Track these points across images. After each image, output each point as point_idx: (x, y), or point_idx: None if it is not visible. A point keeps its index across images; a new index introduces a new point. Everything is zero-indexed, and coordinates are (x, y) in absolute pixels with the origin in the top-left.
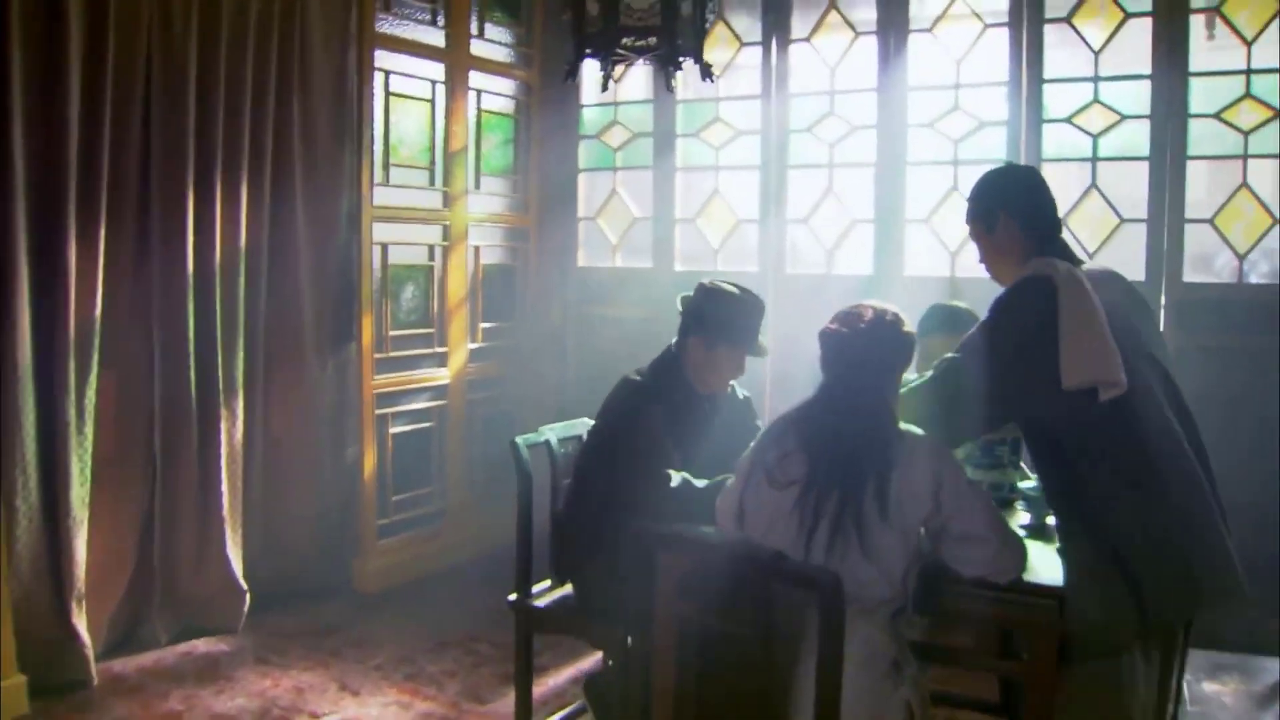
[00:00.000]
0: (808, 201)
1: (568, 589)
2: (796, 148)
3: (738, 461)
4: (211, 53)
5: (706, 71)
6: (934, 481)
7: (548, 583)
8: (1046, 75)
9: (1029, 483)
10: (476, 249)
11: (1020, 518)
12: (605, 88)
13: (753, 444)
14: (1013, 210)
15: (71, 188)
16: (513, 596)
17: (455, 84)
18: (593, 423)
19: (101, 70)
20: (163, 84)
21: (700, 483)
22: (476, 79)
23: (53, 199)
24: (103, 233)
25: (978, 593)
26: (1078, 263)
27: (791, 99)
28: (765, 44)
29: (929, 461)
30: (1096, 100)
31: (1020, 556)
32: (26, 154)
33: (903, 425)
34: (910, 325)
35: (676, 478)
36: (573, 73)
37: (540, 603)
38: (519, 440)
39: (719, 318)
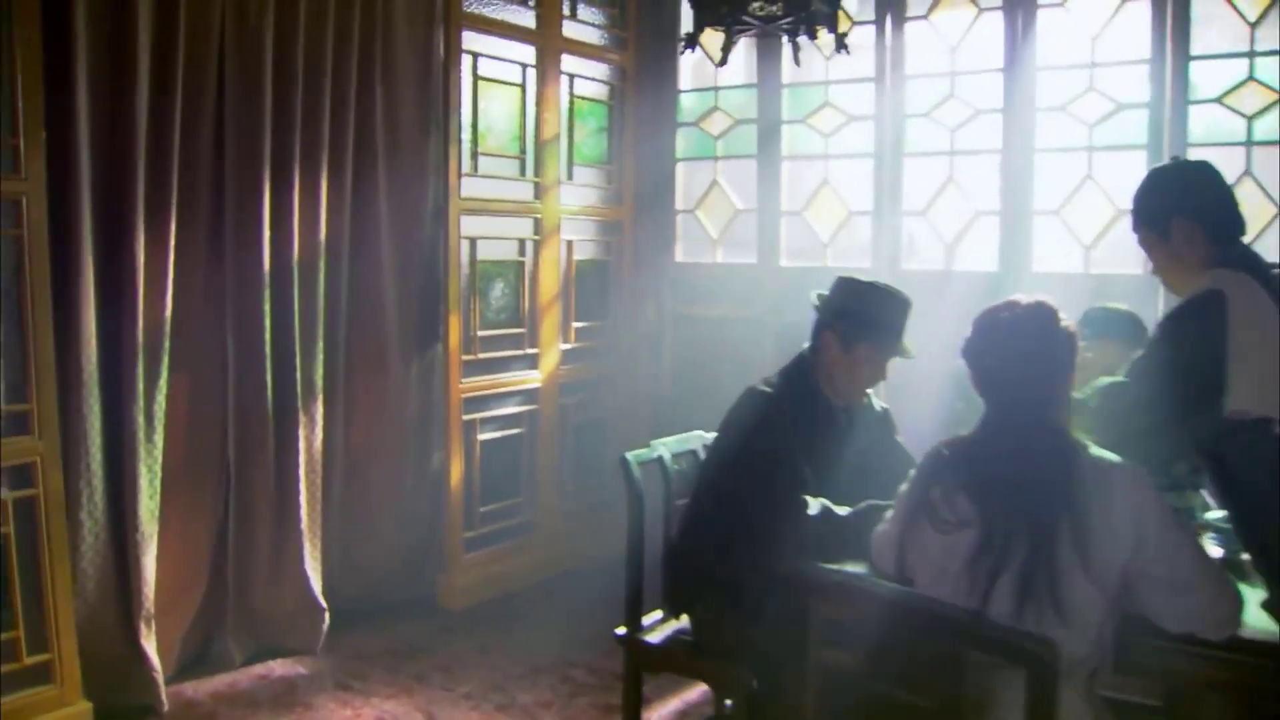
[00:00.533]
0: (926, 192)
1: (682, 623)
2: (913, 134)
3: (898, 494)
4: (289, 34)
5: (841, 43)
6: (1136, 518)
7: (658, 614)
8: (1194, 51)
9: (1217, 512)
10: (569, 243)
11: (1210, 551)
12: (724, 60)
13: (913, 475)
14: (1190, 213)
15: (139, 181)
16: (621, 630)
17: (547, 67)
18: (712, 437)
19: (171, 56)
20: (237, 69)
21: (842, 511)
22: (569, 62)
23: (120, 193)
24: (173, 228)
25: (1183, 649)
26: (1270, 267)
27: (908, 81)
28: (879, 22)
29: (1129, 494)
30: (1251, 78)
31: (1237, 607)
32: (92, 146)
33: (1093, 450)
34: (1066, 317)
35: (815, 505)
36: (692, 43)
37: (652, 638)
38: (630, 456)
39: (860, 313)
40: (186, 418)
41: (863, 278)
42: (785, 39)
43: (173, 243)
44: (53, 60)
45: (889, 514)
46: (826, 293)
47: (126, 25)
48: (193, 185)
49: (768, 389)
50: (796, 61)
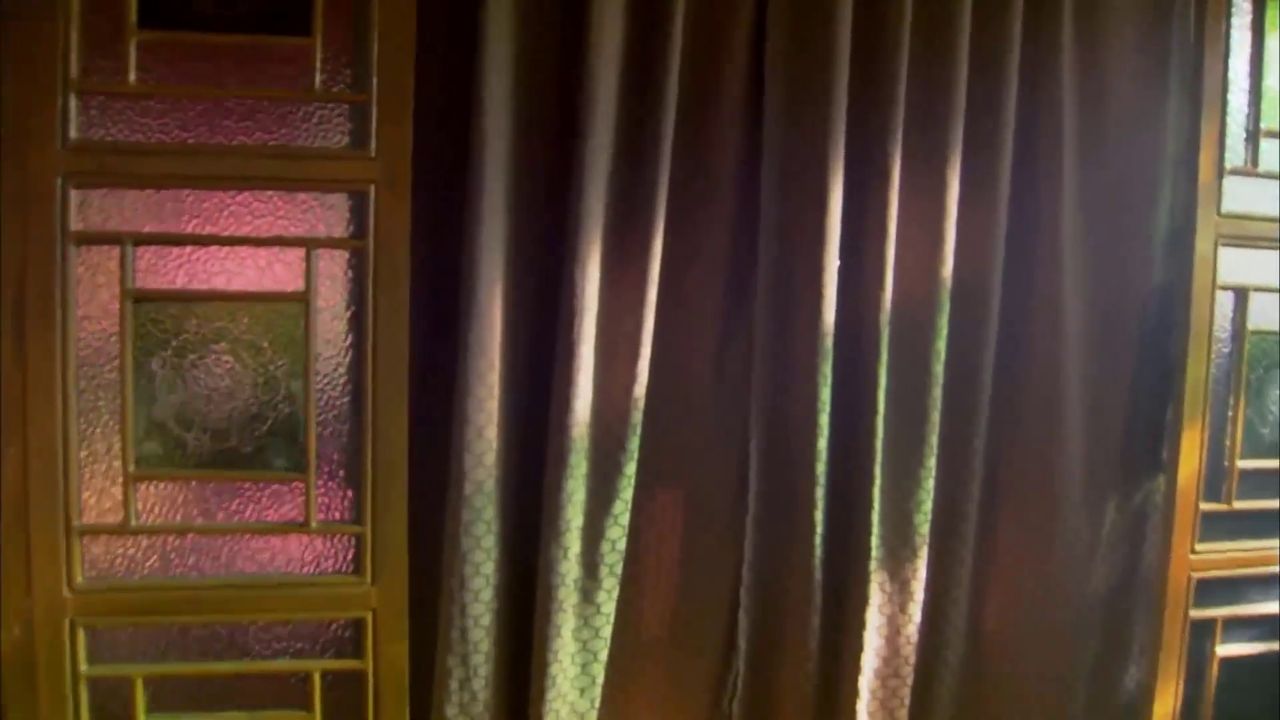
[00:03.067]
0: None
1: None
2: None
3: None
4: None
5: None
6: None
7: None
8: None
9: None
10: None
11: None
12: None
13: None
14: None
15: (594, 167)
16: None
17: None
18: None
19: None
20: None
21: None
22: None
23: (554, 186)
24: (656, 245)
25: None
26: None
27: None
28: None
29: None
30: None
31: None
32: (514, 112)
33: None
34: None
35: None
36: None
37: None
38: None
39: None
40: (671, 562)
41: None
42: None
43: (654, 269)
44: None
45: None
46: None
47: None
48: (700, 175)
49: None
50: None
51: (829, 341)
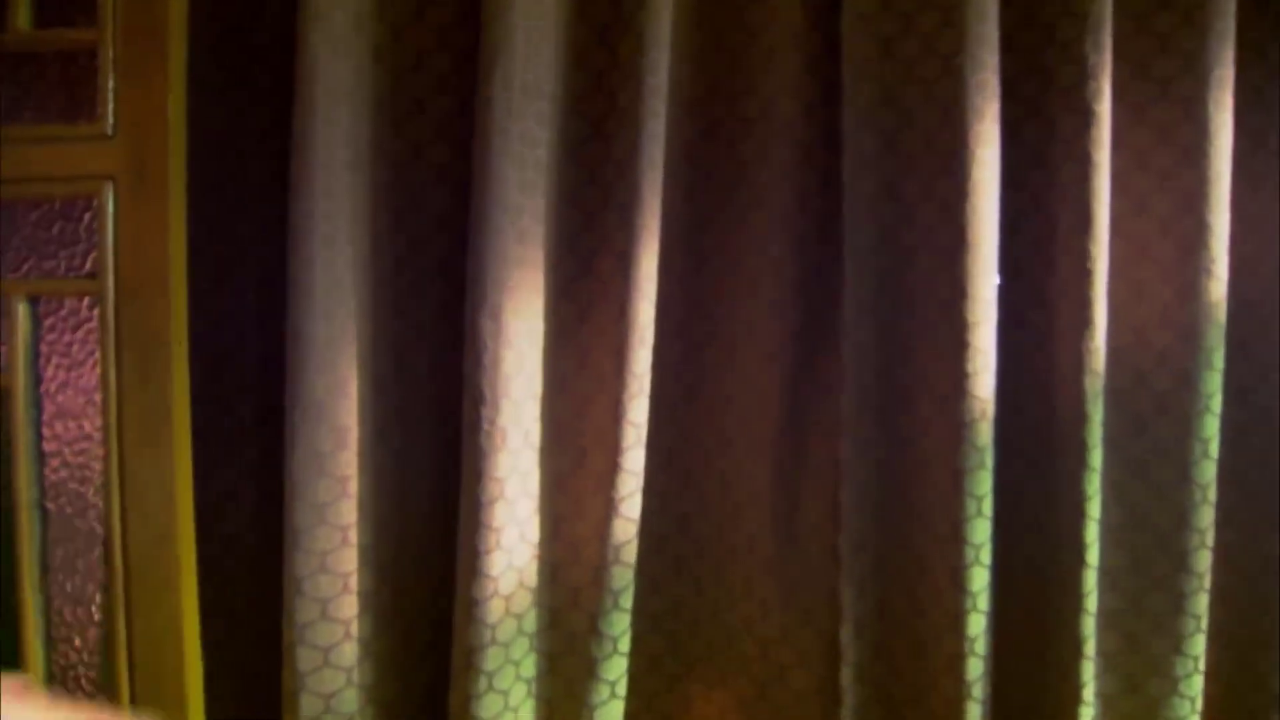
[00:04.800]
0: None
1: None
2: None
3: None
4: None
5: None
6: None
7: None
8: None
9: None
10: None
11: None
12: None
13: None
14: None
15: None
16: None
17: None
18: None
19: None
20: None
21: None
22: None
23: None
24: (648, 271)
25: None
26: None
27: None
28: None
29: None
30: None
31: None
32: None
33: None
34: None
35: None
36: None
37: None
38: None
39: None
40: None
41: None
42: None
43: (645, 310)
44: None
45: None
46: None
47: None
48: (735, 130)
49: None
50: None
51: (985, 431)
